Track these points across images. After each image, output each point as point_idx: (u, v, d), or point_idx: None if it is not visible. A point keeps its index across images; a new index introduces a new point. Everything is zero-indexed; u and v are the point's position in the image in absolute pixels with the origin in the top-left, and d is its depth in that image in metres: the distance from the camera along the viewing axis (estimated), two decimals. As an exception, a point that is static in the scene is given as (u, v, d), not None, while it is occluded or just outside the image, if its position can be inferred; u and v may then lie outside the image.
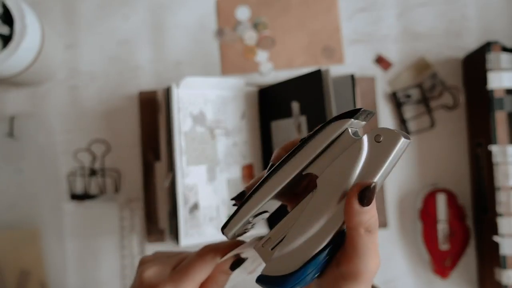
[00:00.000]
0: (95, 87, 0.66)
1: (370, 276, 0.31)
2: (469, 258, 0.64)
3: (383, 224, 0.63)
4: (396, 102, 0.65)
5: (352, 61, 0.66)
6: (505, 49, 0.58)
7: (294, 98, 0.58)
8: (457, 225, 0.62)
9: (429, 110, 0.65)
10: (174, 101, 0.56)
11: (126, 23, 0.67)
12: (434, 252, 0.62)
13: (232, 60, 0.67)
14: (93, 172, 0.65)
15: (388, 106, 0.66)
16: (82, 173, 0.65)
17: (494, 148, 0.57)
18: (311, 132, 0.32)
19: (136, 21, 0.67)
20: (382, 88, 0.66)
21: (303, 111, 0.57)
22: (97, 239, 0.65)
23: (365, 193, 0.29)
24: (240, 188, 0.61)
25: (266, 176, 0.32)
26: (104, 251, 0.65)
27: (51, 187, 0.65)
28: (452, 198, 0.63)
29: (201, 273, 0.36)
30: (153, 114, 0.64)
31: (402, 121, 0.65)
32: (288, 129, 0.59)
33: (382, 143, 0.30)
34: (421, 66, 0.66)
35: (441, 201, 0.63)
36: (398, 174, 0.65)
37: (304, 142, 0.32)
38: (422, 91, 0.65)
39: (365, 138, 0.30)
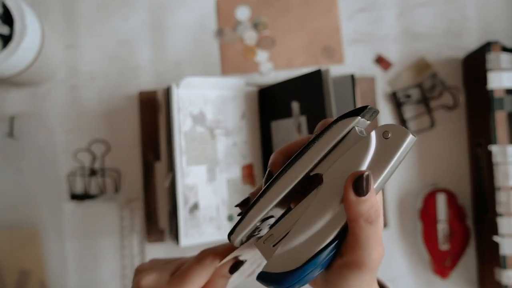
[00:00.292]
0: (95, 87, 0.66)
1: (374, 265, 0.30)
2: (469, 258, 0.64)
3: (383, 224, 0.63)
4: (396, 102, 0.65)
5: (352, 61, 0.66)
6: (505, 49, 0.58)
7: (294, 98, 0.58)
8: (457, 225, 0.62)
9: (429, 110, 0.65)
10: (174, 101, 0.56)
11: (126, 23, 0.67)
12: (434, 252, 0.62)
13: (232, 60, 0.67)
14: (93, 172, 0.65)
15: (388, 106, 0.66)
16: (82, 173, 0.65)
17: (494, 148, 0.57)
18: (319, 132, 0.31)
19: (136, 21, 0.67)
20: (382, 88, 0.66)
21: (303, 111, 0.57)
22: (97, 239, 0.65)
23: (359, 183, 0.29)
24: (240, 188, 0.61)
25: (273, 179, 0.31)
26: (104, 251, 0.65)
27: (51, 187, 0.65)
28: (452, 198, 0.63)
29: (200, 278, 0.35)
30: (153, 114, 0.64)
31: (402, 121, 0.65)
32: (288, 129, 0.59)
33: (390, 140, 0.29)
34: (421, 66, 0.66)
35: (441, 201, 0.63)
36: (398, 174, 0.65)
37: (311, 142, 0.31)
38: (422, 91, 0.65)
39: (373, 134, 0.30)
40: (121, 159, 0.65)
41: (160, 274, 0.36)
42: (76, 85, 0.66)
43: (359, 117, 0.30)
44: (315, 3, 0.67)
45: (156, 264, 0.38)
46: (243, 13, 0.67)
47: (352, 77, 0.56)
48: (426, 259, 0.64)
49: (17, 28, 0.53)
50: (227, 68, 0.66)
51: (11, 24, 0.54)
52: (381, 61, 0.66)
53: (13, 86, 0.66)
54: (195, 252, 0.37)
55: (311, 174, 0.31)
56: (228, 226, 0.59)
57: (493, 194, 0.57)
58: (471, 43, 0.65)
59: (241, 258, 0.37)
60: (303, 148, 0.31)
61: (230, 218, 0.60)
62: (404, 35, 0.66)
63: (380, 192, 0.33)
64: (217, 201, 0.59)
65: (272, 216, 0.33)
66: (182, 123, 0.57)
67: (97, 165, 0.65)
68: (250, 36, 0.66)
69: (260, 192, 0.32)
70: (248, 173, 0.62)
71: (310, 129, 0.56)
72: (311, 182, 0.31)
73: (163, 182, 0.61)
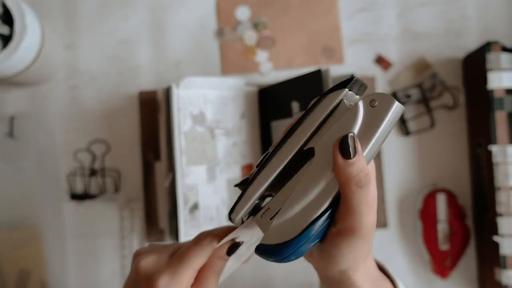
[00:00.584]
0: (95, 87, 0.66)
1: (367, 232, 0.31)
2: (469, 258, 0.64)
3: (383, 224, 0.63)
4: (396, 102, 0.65)
5: (352, 61, 0.66)
6: (505, 49, 0.58)
7: (294, 98, 0.58)
8: (457, 225, 0.62)
9: (429, 110, 0.65)
10: (174, 101, 0.56)
11: (126, 23, 0.67)
12: (434, 252, 0.62)
13: (232, 60, 0.67)
14: (93, 172, 0.65)
15: (388, 106, 0.66)
16: (82, 173, 0.65)
17: (494, 148, 0.57)
18: (308, 107, 0.32)
19: (136, 21, 0.67)
20: (382, 88, 0.66)
21: (303, 111, 0.57)
22: (97, 239, 0.65)
23: (344, 144, 0.29)
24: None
25: (268, 156, 0.32)
26: (104, 251, 0.65)
27: (51, 187, 0.65)
28: (452, 198, 0.63)
29: (199, 259, 0.36)
30: (153, 114, 0.64)
31: (402, 121, 0.65)
32: (288, 129, 0.58)
33: (377, 108, 0.30)
34: (421, 66, 0.66)
35: (441, 201, 0.63)
36: (398, 174, 0.65)
37: (302, 117, 0.32)
38: (422, 91, 0.65)
39: (360, 104, 0.30)
40: (121, 159, 0.65)
41: (159, 255, 0.36)
42: (76, 85, 0.66)
43: (347, 89, 0.31)
44: (315, 3, 0.67)
45: (154, 248, 0.38)
46: (243, 13, 0.67)
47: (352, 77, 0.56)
48: (426, 259, 0.64)
49: (17, 28, 0.53)
50: (227, 68, 0.66)
51: (11, 24, 0.54)
52: (381, 61, 0.66)
53: (13, 86, 0.66)
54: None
55: (305, 148, 0.32)
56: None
57: (493, 194, 0.57)
58: (471, 43, 0.65)
59: (238, 239, 0.37)
60: (294, 124, 0.32)
61: (230, 218, 0.60)
62: (404, 35, 0.66)
63: (372, 163, 0.34)
64: (217, 201, 0.59)
65: (271, 195, 0.34)
66: (182, 123, 0.57)
67: (97, 165, 0.65)
68: (250, 36, 0.66)
69: (257, 169, 0.32)
70: (248, 173, 0.62)
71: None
72: (305, 157, 0.32)
73: (163, 182, 0.61)
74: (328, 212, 0.30)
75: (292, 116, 0.58)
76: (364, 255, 0.34)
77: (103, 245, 0.65)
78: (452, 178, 0.65)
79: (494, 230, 0.57)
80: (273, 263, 0.62)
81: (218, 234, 0.37)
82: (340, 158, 0.29)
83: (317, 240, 0.31)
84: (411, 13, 0.66)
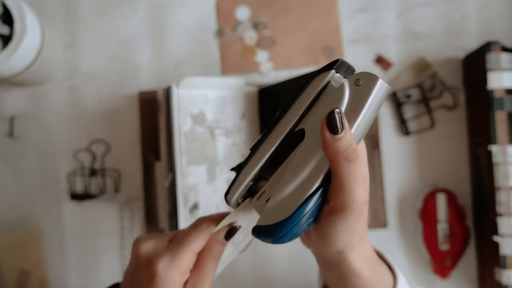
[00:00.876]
0: (95, 87, 0.66)
1: (358, 208, 0.31)
2: (469, 258, 0.64)
3: (383, 224, 0.63)
4: (396, 102, 0.65)
5: (352, 61, 0.66)
6: (505, 49, 0.58)
7: (294, 98, 0.58)
8: (457, 225, 0.62)
9: (429, 110, 0.65)
10: (174, 101, 0.56)
11: (126, 23, 0.67)
12: (434, 252, 0.62)
13: (232, 60, 0.67)
14: (93, 172, 0.65)
15: (388, 106, 0.66)
16: (82, 173, 0.65)
17: (494, 148, 0.57)
18: (297, 90, 0.33)
19: (136, 21, 0.67)
20: (382, 88, 0.66)
21: (303, 111, 0.57)
22: (97, 239, 0.65)
23: (331, 119, 0.30)
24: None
25: (260, 138, 0.33)
26: (104, 251, 0.65)
27: (51, 187, 0.65)
28: (452, 198, 0.63)
29: (197, 242, 0.36)
30: (153, 114, 0.64)
31: (402, 121, 0.65)
32: (288, 129, 0.58)
33: (361, 86, 0.31)
34: (421, 66, 0.66)
35: (441, 201, 0.63)
36: (398, 174, 0.65)
37: (291, 100, 0.33)
38: (422, 91, 0.65)
39: (346, 83, 0.31)
40: (121, 159, 0.65)
41: (158, 240, 0.37)
42: (76, 85, 0.66)
43: (333, 71, 0.32)
44: (315, 3, 0.67)
45: (154, 235, 0.39)
46: (243, 13, 0.67)
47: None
48: (426, 259, 0.64)
49: (17, 28, 0.53)
50: (227, 68, 0.66)
51: (11, 24, 0.54)
52: (381, 61, 0.66)
53: (13, 86, 0.66)
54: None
55: (296, 130, 0.33)
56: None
57: (493, 194, 0.57)
58: (471, 43, 0.65)
59: (236, 224, 0.38)
60: (284, 107, 0.33)
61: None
62: (404, 35, 0.66)
63: (363, 143, 0.35)
64: (217, 201, 0.59)
65: (266, 178, 0.34)
66: (182, 123, 0.57)
67: (97, 165, 0.65)
68: (250, 36, 0.66)
69: (250, 152, 0.34)
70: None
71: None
72: (297, 140, 0.33)
73: (163, 182, 0.61)
74: (321, 191, 0.31)
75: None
76: (359, 234, 0.35)
77: (103, 245, 0.65)
78: (452, 178, 0.65)
79: (494, 230, 0.57)
80: (272, 263, 0.63)
81: (216, 218, 0.38)
82: (328, 134, 0.30)
83: (311, 219, 0.32)
84: (411, 13, 0.66)
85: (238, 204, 0.35)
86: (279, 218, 0.31)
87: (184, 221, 0.56)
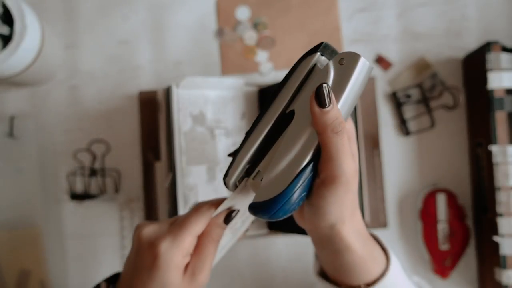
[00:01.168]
0: (95, 87, 0.66)
1: (348, 179, 0.33)
2: (469, 258, 0.64)
3: (383, 224, 0.63)
4: (396, 102, 0.65)
5: (352, 61, 0.66)
6: (505, 49, 0.58)
7: (294, 98, 0.58)
8: (457, 225, 0.62)
9: (429, 110, 0.65)
10: (174, 101, 0.56)
11: (126, 23, 0.67)
12: (434, 252, 0.62)
13: (232, 60, 0.67)
14: (93, 172, 0.65)
15: (388, 106, 0.66)
16: (82, 173, 0.65)
17: (494, 148, 0.57)
18: (286, 75, 0.35)
19: (136, 21, 0.67)
20: (382, 88, 0.66)
21: (303, 111, 0.57)
22: (97, 239, 0.65)
23: (319, 93, 0.32)
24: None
25: (254, 122, 0.35)
26: (104, 251, 0.65)
27: (51, 187, 0.65)
28: (452, 198, 0.63)
29: (198, 224, 0.38)
30: (153, 114, 0.64)
31: (402, 121, 0.65)
32: (288, 129, 0.58)
33: (344, 65, 0.33)
34: (421, 66, 0.66)
35: (441, 201, 0.63)
36: (398, 174, 0.65)
37: (281, 84, 0.35)
38: (422, 91, 0.65)
39: (331, 63, 0.33)
40: (121, 159, 0.65)
41: (159, 224, 0.38)
42: (76, 85, 0.66)
43: (319, 53, 0.34)
44: (315, 3, 0.67)
45: (154, 221, 0.40)
46: (243, 13, 0.67)
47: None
48: (426, 259, 0.64)
49: (17, 28, 0.53)
50: (227, 68, 0.66)
51: (11, 24, 0.54)
52: (381, 61, 0.66)
53: (13, 86, 0.66)
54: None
55: (287, 112, 0.35)
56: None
57: (493, 194, 0.57)
58: (471, 43, 0.65)
59: (235, 207, 0.39)
60: (274, 92, 0.35)
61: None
62: (404, 35, 0.66)
63: (351, 122, 0.37)
64: (217, 201, 0.59)
65: (262, 160, 0.36)
66: (182, 123, 0.57)
67: (97, 165, 0.65)
68: (250, 36, 0.66)
69: (245, 136, 0.35)
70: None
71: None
72: (289, 121, 0.35)
73: (163, 182, 0.61)
74: (311, 165, 0.33)
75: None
76: (349, 207, 0.36)
77: (103, 245, 0.65)
78: (452, 178, 0.65)
79: (494, 230, 0.57)
80: (272, 263, 0.63)
81: (215, 202, 0.39)
82: (316, 108, 0.32)
83: (304, 194, 0.33)
84: (411, 13, 0.66)
85: (236, 187, 0.36)
86: (272, 194, 0.33)
87: (184, 221, 0.56)
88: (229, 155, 0.38)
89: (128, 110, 0.66)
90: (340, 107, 0.33)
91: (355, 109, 0.57)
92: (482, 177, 0.61)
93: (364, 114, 0.64)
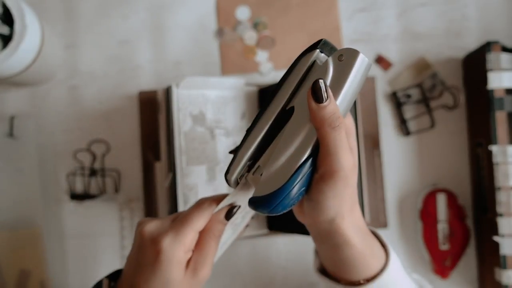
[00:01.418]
0: (95, 87, 0.66)
1: (346, 174, 0.33)
2: (469, 258, 0.64)
3: (383, 224, 0.63)
4: (396, 102, 0.65)
5: (352, 61, 0.66)
6: (505, 49, 0.58)
7: (294, 98, 0.58)
8: (457, 225, 0.62)
9: (429, 110, 0.65)
10: (174, 101, 0.56)
11: (126, 23, 0.67)
12: (434, 252, 0.62)
13: (232, 60, 0.67)
14: (93, 172, 0.65)
15: (388, 106, 0.66)
16: (82, 173, 0.65)
17: (494, 148, 0.57)
18: (286, 72, 0.35)
19: (136, 21, 0.67)
20: (382, 88, 0.66)
21: (303, 111, 0.57)
22: (97, 239, 0.65)
23: (315, 88, 0.32)
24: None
25: (254, 119, 0.35)
26: (104, 251, 0.65)
27: (51, 187, 0.65)
28: (452, 198, 0.63)
29: (200, 220, 0.38)
30: (153, 114, 0.64)
31: (402, 121, 0.65)
32: (288, 129, 0.58)
33: (344, 61, 0.33)
34: (421, 66, 0.66)
35: (441, 201, 0.63)
36: (398, 174, 0.65)
37: (281, 81, 0.35)
38: (422, 91, 0.65)
39: (330, 60, 0.34)
40: (121, 159, 0.65)
41: (162, 221, 0.39)
42: (76, 85, 0.66)
43: (318, 50, 0.34)
44: (315, 3, 0.67)
45: (156, 217, 0.41)
46: (243, 13, 0.67)
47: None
48: (426, 259, 0.64)
49: (17, 28, 0.53)
50: (227, 68, 0.66)
51: (11, 24, 0.54)
52: (381, 61, 0.66)
53: (13, 86, 0.66)
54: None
55: (287, 108, 0.35)
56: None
57: (493, 194, 0.57)
58: (471, 43, 0.65)
59: (236, 204, 0.40)
60: (275, 89, 0.35)
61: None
62: (404, 35, 0.66)
63: (350, 117, 0.37)
64: (217, 201, 0.59)
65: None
66: (182, 123, 0.57)
67: (97, 165, 0.65)
68: (250, 36, 0.66)
69: (246, 133, 0.36)
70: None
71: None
72: (289, 117, 0.35)
73: (163, 182, 0.61)
74: (310, 161, 0.33)
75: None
76: (349, 202, 0.36)
77: (103, 245, 0.65)
78: (452, 178, 0.65)
79: (494, 230, 0.57)
80: (272, 263, 0.63)
81: (217, 199, 0.39)
82: (313, 103, 0.32)
83: (303, 188, 0.34)
84: (411, 13, 0.66)
85: (238, 184, 0.37)
86: (272, 188, 0.33)
87: (184, 221, 0.56)
88: (230, 152, 0.38)
89: (128, 110, 0.66)
90: (339, 103, 0.33)
91: (355, 108, 0.57)
92: (482, 177, 0.61)
93: (364, 114, 0.64)
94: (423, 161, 0.65)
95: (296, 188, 0.33)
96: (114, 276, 0.41)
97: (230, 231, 0.43)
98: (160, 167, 0.62)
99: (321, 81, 0.32)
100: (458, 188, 0.64)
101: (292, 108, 0.34)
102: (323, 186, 0.33)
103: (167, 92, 0.57)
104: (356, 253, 0.38)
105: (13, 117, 0.64)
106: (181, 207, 0.56)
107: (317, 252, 0.45)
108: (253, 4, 0.67)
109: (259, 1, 0.67)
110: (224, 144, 0.60)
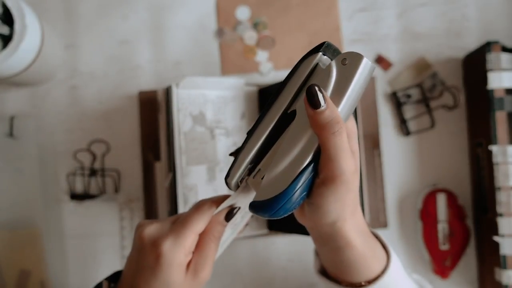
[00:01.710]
0: (95, 87, 0.66)
1: (348, 178, 0.33)
2: (469, 258, 0.64)
3: (383, 224, 0.63)
4: (396, 102, 0.65)
5: (352, 61, 0.66)
6: (505, 49, 0.58)
7: (294, 98, 0.58)
8: (457, 225, 0.62)
9: (429, 110, 0.65)
10: (174, 101, 0.56)
11: (126, 23, 0.67)
12: (434, 252, 0.62)
13: (232, 60, 0.67)
14: (93, 172, 0.65)
15: (388, 106, 0.66)
16: (82, 173, 0.65)
17: (494, 148, 0.57)
18: (288, 74, 0.35)
19: (136, 21, 0.67)
20: (382, 88, 0.66)
21: (303, 111, 0.57)
22: (97, 239, 0.65)
23: (310, 94, 0.32)
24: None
25: (256, 122, 0.35)
26: (104, 251, 0.65)
27: (51, 187, 0.65)
28: (452, 198, 0.63)
29: (199, 223, 0.38)
30: (153, 114, 0.64)
31: (402, 121, 0.65)
32: (288, 129, 0.58)
33: (347, 65, 0.33)
34: (421, 66, 0.66)
35: (441, 201, 0.63)
36: (398, 174, 0.65)
37: (283, 83, 0.35)
38: (422, 91, 0.65)
39: (333, 63, 0.33)
40: (121, 159, 0.65)
41: (161, 223, 0.39)
42: (76, 85, 0.66)
43: (321, 53, 0.34)
44: (315, 3, 0.67)
45: (156, 219, 0.40)
46: (243, 13, 0.67)
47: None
48: (426, 259, 0.64)
49: (17, 28, 0.53)
50: (227, 68, 0.66)
51: (11, 24, 0.54)
52: (381, 61, 0.66)
53: (13, 86, 0.66)
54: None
55: (289, 111, 0.35)
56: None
57: (493, 194, 0.57)
58: (471, 43, 0.65)
59: (235, 205, 0.40)
60: (276, 91, 0.35)
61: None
62: (404, 35, 0.66)
63: (353, 120, 0.37)
64: (217, 201, 0.59)
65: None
66: (182, 123, 0.57)
67: (97, 165, 0.65)
68: (250, 36, 0.66)
69: (247, 136, 0.35)
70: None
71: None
72: (290, 121, 0.35)
73: (163, 182, 0.61)
74: (312, 166, 0.33)
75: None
76: (351, 206, 0.36)
77: (103, 245, 0.65)
78: (452, 178, 0.65)
79: (494, 230, 0.57)
80: (272, 263, 0.63)
81: (217, 200, 0.39)
82: (310, 109, 0.32)
83: (304, 193, 0.33)
84: (411, 13, 0.66)
85: (238, 187, 0.36)
86: (273, 193, 0.33)
87: (184, 221, 0.56)
88: (231, 154, 0.38)
89: (128, 110, 0.66)
90: (342, 107, 0.33)
91: (355, 109, 0.57)
92: (482, 177, 0.61)
93: (364, 114, 0.64)
94: (423, 161, 0.65)
95: (298, 193, 0.33)
96: (114, 278, 0.41)
97: (230, 231, 0.43)
98: (160, 167, 0.62)
99: (315, 86, 0.32)
100: (458, 188, 0.64)
101: (294, 112, 0.34)
102: (325, 190, 0.33)
103: (167, 92, 0.57)
104: (358, 255, 0.38)
105: (13, 117, 0.64)
106: (181, 207, 0.56)
107: (317, 253, 0.45)
108: (253, 4, 0.67)
109: (259, 1, 0.67)
110: (224, 144, 0.60)
